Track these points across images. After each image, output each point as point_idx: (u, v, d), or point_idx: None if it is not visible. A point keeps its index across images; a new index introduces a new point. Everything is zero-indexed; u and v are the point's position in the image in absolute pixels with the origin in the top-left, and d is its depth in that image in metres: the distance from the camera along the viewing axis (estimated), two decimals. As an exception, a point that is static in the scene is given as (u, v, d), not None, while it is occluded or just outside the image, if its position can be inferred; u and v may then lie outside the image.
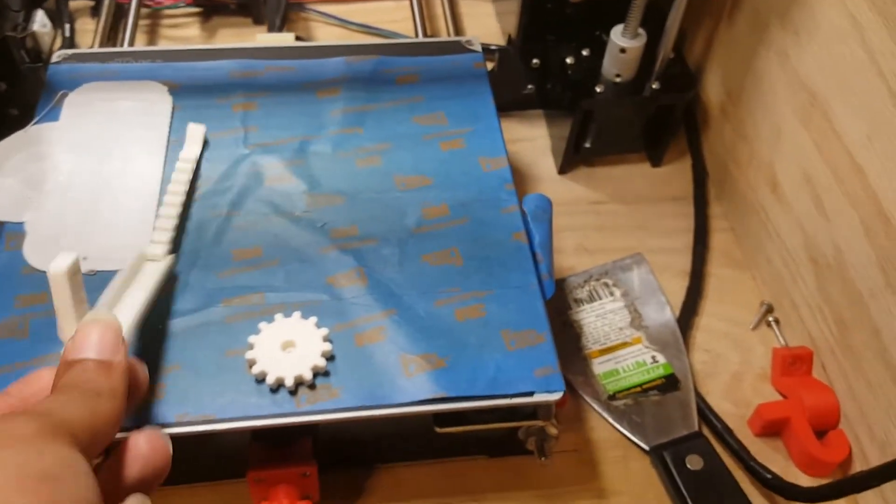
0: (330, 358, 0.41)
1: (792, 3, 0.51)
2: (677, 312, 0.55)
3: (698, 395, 0.51)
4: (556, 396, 0.41)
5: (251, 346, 0.41)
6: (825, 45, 0.49)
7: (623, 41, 0.57)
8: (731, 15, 0.60)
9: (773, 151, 0.55)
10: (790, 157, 0.53)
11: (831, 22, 0.48)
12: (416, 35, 0.68)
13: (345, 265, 0.46)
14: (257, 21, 0.75)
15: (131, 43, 0.65)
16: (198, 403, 0.39)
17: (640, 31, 0.57)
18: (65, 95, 0.53)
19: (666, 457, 0.47)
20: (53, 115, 0.52)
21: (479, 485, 0.48)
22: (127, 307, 0.38)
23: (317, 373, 0.41)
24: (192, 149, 0.50)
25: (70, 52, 0.56)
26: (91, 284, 0.43)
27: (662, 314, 0.54)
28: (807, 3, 0.50)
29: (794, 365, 0.51)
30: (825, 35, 0.49)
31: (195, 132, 0.51)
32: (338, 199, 0.49)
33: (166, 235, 0.44)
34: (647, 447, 0.48)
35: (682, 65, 0.61)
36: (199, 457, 0.44)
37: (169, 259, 0.44)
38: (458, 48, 0.59)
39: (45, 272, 0.43)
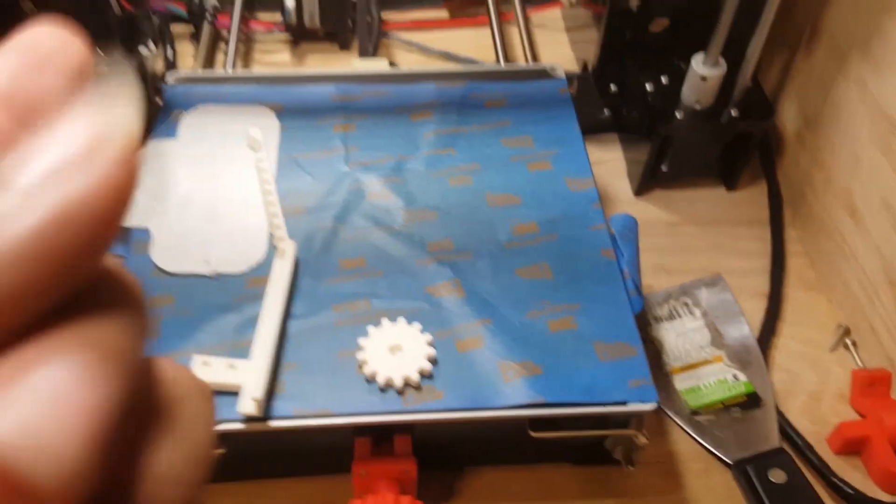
0: (434, 362, 0.44)
1: (872, 34, 0.53)
2: (756, 333, 0.57)
3: (779, 413, 0.52)
4: (650, 406, 0.43)
5: (361, 348, 0.44)
6: (907, 76, 0.50)
7: (704, 70, 0.59)
8: (809, 45, 0.62)
9: (852, 178, 0.57)
10: (869, 183, 0.55)
11: (914, 53, 0.50)
12: (498, 62, 0.72)
13: (442, 276, 0.49)
14: (343, 47, 0.79)
15: (233, 66, 0.69)
16: (314, 399, 0.42)
17: (721, 60, 0.60)
18: (181, 115, 0.57)
19: (749, 470, 0.48)
20: (170, 132, 0.56)
21: (566, 491, 0.49)
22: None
23: (423, 375, 0.43)
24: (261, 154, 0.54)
25: (184, 73, 0.60)
26: (214, 286, 0.47)
27: (742, 334, 0.56)
28: (887, 34, 0.52)
29: (872, 386, 0.53)
30: (908, 66, 0.50)
31: (254, 137, 0.55)
32: (433, 215, 0.52)
33: (284, 230, 0.49)
34: (729, 461, 0.50)
35: (760, 93, 0.63)
36: (302, 452, 0.47)
37: (292, 249, 0.48)
38: (542, 75, 0.62)
39: (172, 274, 0.47)
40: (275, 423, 0.42)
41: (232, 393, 0.42)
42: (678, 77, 0.63)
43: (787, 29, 0.65)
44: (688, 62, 0.61)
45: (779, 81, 0.67)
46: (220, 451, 0.44)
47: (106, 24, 0.52)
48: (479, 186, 0.54)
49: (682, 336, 0.56)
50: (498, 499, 0.49)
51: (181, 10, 0.76)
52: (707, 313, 0.57)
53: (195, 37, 0.77)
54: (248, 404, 0.40)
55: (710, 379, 0.54)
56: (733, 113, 0.61)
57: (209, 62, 0.74)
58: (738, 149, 0.65)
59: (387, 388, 0.43)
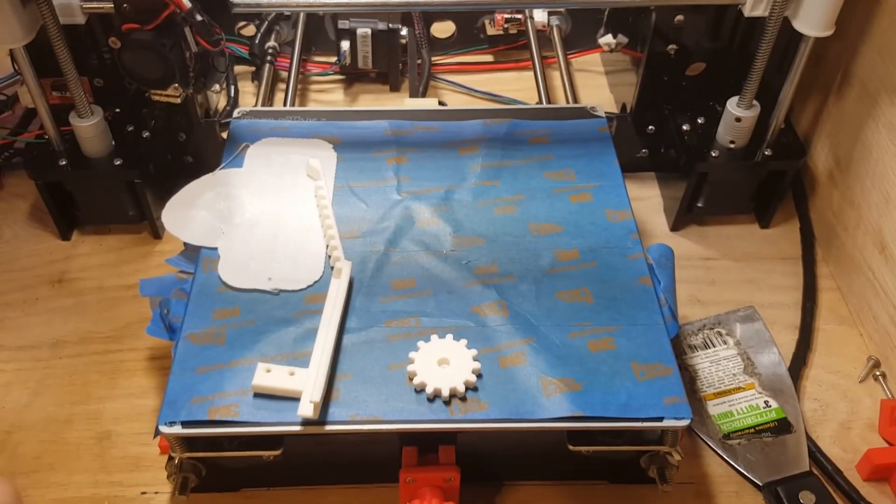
0: (479, 375, 0.47)
1: (901, 79, 0.56)
2: (787, 363, 0.59)
3: (809, 439, 0.54)
4: (684, 423, 0.45)
5: (412, 361, 0.47)
6: (934, 118, 0.53)
7: (739, 111, 0.62)
8: (840, 89, 0.65)
9: (882, 216, 0.59)
10: (899, 220, 0.57)
11: (940, 97, 0.52)
12: (540, 102, 0.75)
13: (487, 297, 0.52)
14: (393, 88, 0.84)
15: (292, 103, 0.74)
16: (366, 406, 0.45)
17: (755, 102, 0.63)
18: (247, 147, 0.61)
19: (780, 491, 0.50)
20: (237, 163, 0.60)
21: (601, 507, 0.52)
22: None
23: (468, 387, 0.46)
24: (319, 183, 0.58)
25: (248, 109, 0.65)
26: (276, 301, 0.51)
27: (774, 363, 0.58)
28: (916, 80, 0.54)
29: (902, 416, 0.54)
30: (934, 109, 0.53)
31: (314, 167, 0.59)
32: (479, 241, 0.56)
33: (340, 251, 0.53)
34: (760, 483, 0.51)
35: (792, 134, 0.66)
36: (351, 461, 0.50)
37: (348, 269, 0.51)
38: (583, 114, 0.66)
39: (237, 289, 0.51)
40: (330, 427, 0.45)
41: (291, 399, 0.45)
42: (714, 118, 0.66)
43: (819, 74, 0.68)
44: (723, 104, 0.64)
45: (811, 124, 0.69)
46: (277, 453, 0.47)
47: (183, 60, 0.57)
48: (524, 216, 0.57)
49: (715, 364, 0.58)
50: (536, 512, 0.51)
51: (243, 51, 0.82)
52: (740, 343, 0.59)
53: (255, 76, 0.82)
54: (307, 407, 0.44)
55: (743, 405, 0.55)
56: (767, 152, 0.64)
57: (269, 100, 0.79)
58: (771, 188, 0.67)
59: (434, 398, 0.46)
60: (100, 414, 0.56)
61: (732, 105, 0.63)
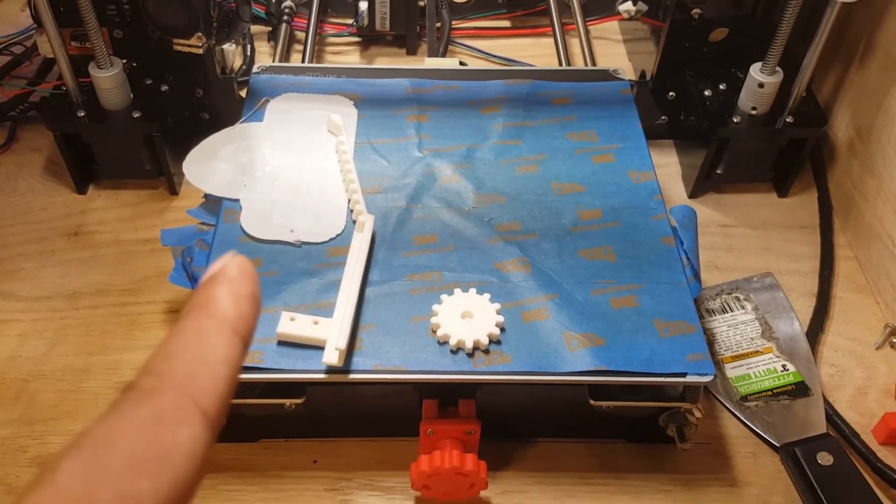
0: (502, 329, 0.47)
1: (928, 46, 0.56)
2: (805, 329, 0.59)
3: (826, 402, 0.54)
4: (707, 379, 0.45)
5: (435, 314, 0.47)
6: (962, 84, 0.53)
7: (762, 77, 0.62)
8: (863, 58, 0.64)
9: (904, 184, 0.59)
10: (921, 187, 0.57)
11: (969, 62, 0.52)
12: (561, 66, 0.75)
13: (510, 254, 0.52)
14: (410, 52, 0.83)
15: (310, 62, 0.73)
16: (390, 357, 0.45)
17: (778, 68, 0.62)
18: (267, 102, 0.61)
19: (797, 452, 0.50)
20: (256, 117, 0.60)
21: (619, 465, 0.52)
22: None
23: (491, 340, 0.46)
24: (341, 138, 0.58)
25: (268, 64, 0.65)
26: (298, 253, 0.51)
27: (792, 328, 0.58)
28: (944, 46, 0.54)
29: (920, 382, 0.54)
30: (962, 74, 0.53)
31: (335, 122, 0.58)
32: (501, 199, 0.55)
33: (363, 206, 0.53)
34: (777, 444, 0.52)
35: (814, 102, 0.66)
36: (371, 414, 0.50)
37: (370, 222, 0.51)
38: (605, 76, 0.65)
39: (259, 240, 0.51)
40: (354, 376, 0.45)
41: (315, 347, 0.45)
42: (735, 85, 0.65)
43: (843, 42, 0.67)
44: (745, 71, 0.64)
45: (832, 92, 0.69)
46: (299, 402, 0.47)
47: (207, 8, 0.56)
48: (546, 175, 0.57)
49: (733, 328, 0.58)
50: (554, 469, 0.52)
51: (259, 10, 0.81)
52: (758, 308, 0.59)
53: (271, 36, 0.82)
54: (332, 354, 0.44)
55: (760, 368, 0.56)
56: (788, 120, 0.64)
57: (285, 60, 0.79)
58: (790, 156, 0.67)
59: (457, 350, 0.46)
60: (118, 364, 0.56)
61: (756, 71, 0.63)
